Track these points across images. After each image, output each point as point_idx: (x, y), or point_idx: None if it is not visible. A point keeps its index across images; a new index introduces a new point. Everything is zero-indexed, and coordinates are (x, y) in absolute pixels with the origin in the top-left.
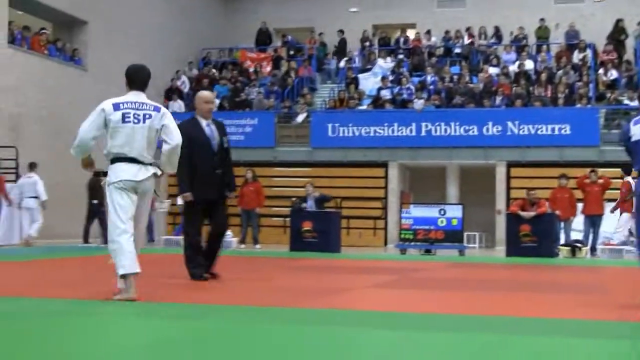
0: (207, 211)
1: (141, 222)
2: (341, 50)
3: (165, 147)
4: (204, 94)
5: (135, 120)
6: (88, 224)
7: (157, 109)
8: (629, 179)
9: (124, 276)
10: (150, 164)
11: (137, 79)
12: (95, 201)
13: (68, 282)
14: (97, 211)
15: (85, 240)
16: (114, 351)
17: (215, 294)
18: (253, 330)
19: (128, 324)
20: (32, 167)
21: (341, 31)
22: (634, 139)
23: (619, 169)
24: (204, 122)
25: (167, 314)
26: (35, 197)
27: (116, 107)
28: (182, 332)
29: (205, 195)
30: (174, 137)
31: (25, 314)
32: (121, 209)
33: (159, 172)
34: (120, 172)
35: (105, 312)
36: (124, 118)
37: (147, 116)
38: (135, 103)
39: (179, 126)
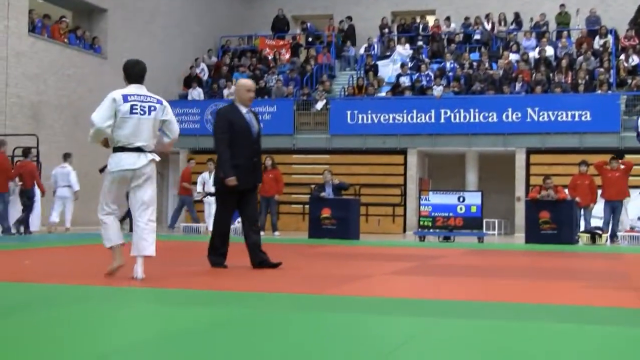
0: (239, 201)
1: (150, 206)
2: (349, 37)
3: (166, 139)
4: (247, 82)
5: (142, 112)
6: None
7: (160, 102)
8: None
9: (111, 248)
10: (151, 152)
11: (133, 72)
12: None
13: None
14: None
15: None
16: (125, 339)
17: (233, 281)
18: (272, 318)
19: (140, 311)
20: (66, 157)
21: (349, 17)
22: None
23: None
24: (243, 110)
25: (183, 301)
26: (69, 187)
27: (125, 98)
28: (196, 320)
29: (243, 184)
30: (175, 132)
31: (37, 303)
32: (110, 196)
33: (158, 158)
34: (120, 162)
35: (118, 298)
36: (132, 109)
37: (152, 108)
38: (140, 95)
39: (219, 111)
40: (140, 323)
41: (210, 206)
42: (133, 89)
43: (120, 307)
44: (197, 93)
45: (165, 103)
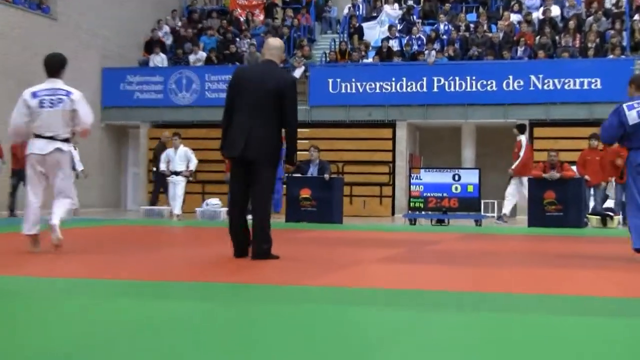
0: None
1: (61, 192)
2: None
3: (77, 128)
4: (278, 42)
5: (50, 105)
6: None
7: (68, 94)
8: (522, 137)
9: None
10: (67, 140)
11: (47, 67)
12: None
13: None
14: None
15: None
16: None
17: (199, 270)
18: (243, 311)
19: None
20: None
21: None
22: (632, 122)
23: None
24: None
25: (145, 292)
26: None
27: (34, 95)
28: (155, 315)
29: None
30: (83, 122)
31: (31, 292)
32: (30, 182)
33: (66, 148)
34: (32, 146)
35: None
36: (40, 104)
37: (60, 100)
38: (50, 90)
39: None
40: (97, 318)
41: (176, 187)
42: (45, 84)
43: (60, 300)
44: (159, 59)
45: (75, 95)
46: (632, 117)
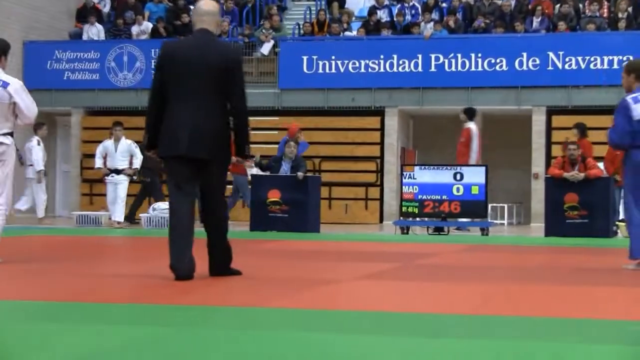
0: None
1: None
2: None
3: (19, 122)
4: (211, 4)
5: None
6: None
7: (4, 85)
8: (470, 124)
9: None
10: (9, 134)
11: None
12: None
13: None
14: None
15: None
16: None
17: (151, 290)
18: (200, 337)
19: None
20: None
21: None
22: (637, 117)
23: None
24: None
25: (86, 318)
26: (31, 165)
27: None
28: (103, 342)
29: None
30: (24, 116)
31: None
32: None
33: (8, 141)
34: None
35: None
36: None
37: None
38: None
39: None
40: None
41: (117, 188)
42: None
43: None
44: (95, 31)
45: (12, 85)
46: (637, 111)
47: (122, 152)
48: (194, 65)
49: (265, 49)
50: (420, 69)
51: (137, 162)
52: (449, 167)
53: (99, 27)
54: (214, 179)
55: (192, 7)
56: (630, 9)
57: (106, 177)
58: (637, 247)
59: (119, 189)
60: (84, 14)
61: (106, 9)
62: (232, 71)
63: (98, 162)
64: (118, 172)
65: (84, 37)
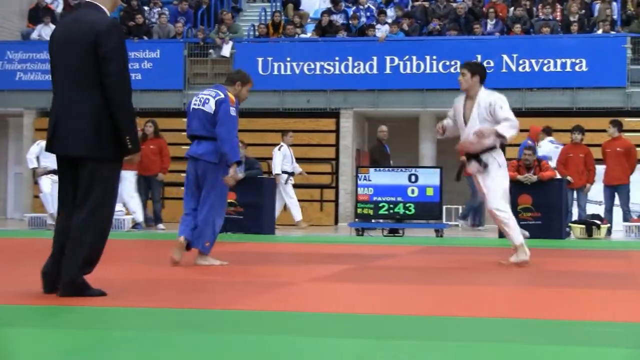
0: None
1: None
2: None
3: None
4: None
5: None
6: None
7: None
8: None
9: None
10: None
11: None
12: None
13: None
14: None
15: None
16: None
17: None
18: (148, 341)
19: None
20: None
21: None
22: None
23: None
24: None
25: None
26: None
27: None
28: (58, 342)
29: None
30: None
31: None
32: None
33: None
34: None
35: None
36: None
37: None
38: None
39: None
40: None
41: (54, 187)
42: None
43: None
44: (49, 31)
45: None
46: None
47: None
48: (62, 45)
49: (226, 50)
50: (375, 71)
51: None
52: (403, 169)
53: (52, 27)
54: (93, 181)
55: (145, 8)
56: (582, 12)
57: (46, 176)
58: None
59: (56, 189)
60: (37, 14)
61: (59, 9)
62: (99, 42)
63: (30, 164)
64: (56, 172)
65: (36, 36)
